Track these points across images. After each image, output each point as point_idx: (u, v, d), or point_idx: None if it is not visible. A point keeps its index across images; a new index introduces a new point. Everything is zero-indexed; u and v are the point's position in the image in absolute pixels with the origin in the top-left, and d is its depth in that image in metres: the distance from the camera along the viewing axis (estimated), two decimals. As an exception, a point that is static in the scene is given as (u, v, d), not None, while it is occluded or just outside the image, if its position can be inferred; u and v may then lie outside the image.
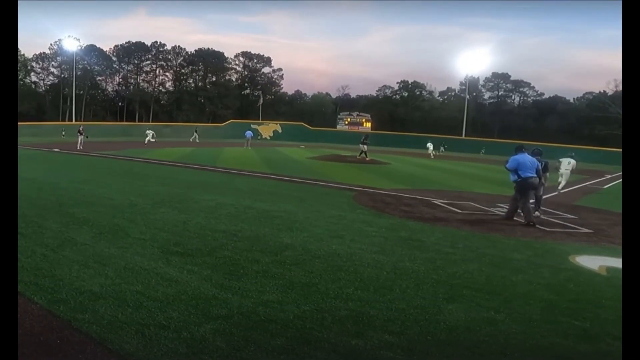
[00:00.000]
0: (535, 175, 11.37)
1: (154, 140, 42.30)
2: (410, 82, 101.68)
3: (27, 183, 13.07)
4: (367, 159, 32.62)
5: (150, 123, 78.09)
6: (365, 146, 34.06)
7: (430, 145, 45.37)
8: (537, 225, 10.72)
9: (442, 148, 51.84)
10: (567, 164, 18.75)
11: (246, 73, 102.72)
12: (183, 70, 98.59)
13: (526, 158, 11.43)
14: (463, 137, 64.82)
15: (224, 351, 4.01)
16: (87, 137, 33.55)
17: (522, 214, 11.22)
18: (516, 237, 9.49)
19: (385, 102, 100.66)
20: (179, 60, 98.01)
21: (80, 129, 34.12)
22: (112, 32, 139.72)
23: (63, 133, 47.74)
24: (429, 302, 5.44)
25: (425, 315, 5.02)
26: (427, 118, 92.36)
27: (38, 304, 4.80)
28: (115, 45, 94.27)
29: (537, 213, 11.89)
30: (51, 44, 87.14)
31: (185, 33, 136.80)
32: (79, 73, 75.67)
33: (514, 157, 11.48)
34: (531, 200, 12.19)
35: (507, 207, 11.96)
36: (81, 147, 31.46)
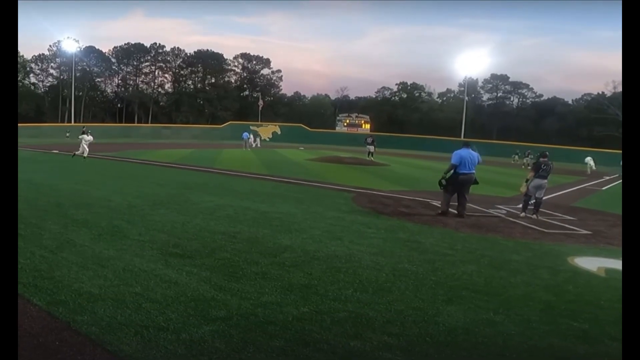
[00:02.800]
0: (472, 172, 11.71)
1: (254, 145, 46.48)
2: (409, 84, 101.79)
3: (25, 184, 13.04)
4: (367, 158, 33.64)
5: (150, 124, 78.17)
6: (371, 147, 35.65)
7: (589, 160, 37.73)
8: (536, 227, 10.74)
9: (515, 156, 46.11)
10: None
11: (245, 74, 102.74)
12: (182, 72, 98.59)
13: (468, 154, 11.73)
14: (462, 138, 64.78)
15: (223, 353, 4.01)
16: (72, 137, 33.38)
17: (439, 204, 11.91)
18: (515, 238, 9.50)
19: (384, 103, 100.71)
20: (178, 62, 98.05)
21: (84, 129, 33.96)
22: (110, 33, 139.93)
23: (67, 134, 47.66)
24: (427, 304, 5.44)
25: (424, 317, 5.03)
26: (426, 119, 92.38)
27: (37, 306, 4.80)
28: (114, 47, 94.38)
29: (534, 215, 11.91)
30: (50, 46, 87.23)
31: (183, 34, 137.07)
32: (78, 74, 75.61)
33: (457, 152, 11.80)
34: (531, 201, 12.22)
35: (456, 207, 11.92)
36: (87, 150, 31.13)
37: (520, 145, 52.04)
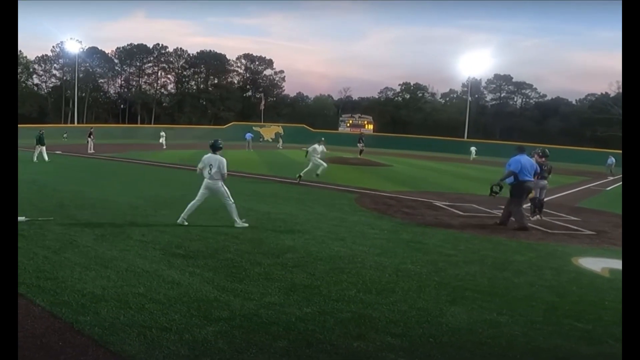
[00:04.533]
0: (532, 179, 10.88)
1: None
2: (412, 84, 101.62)
3: (28, 185, 13.09)
4: (359, 156, 35.24)
5: (153, 125, 78.31)
6: (360, 144, 37.66)
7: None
8: (540, 227, 10.70)
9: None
10: None
11: (248, 75, 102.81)
12: (185, 73, 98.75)
13: (527, 160, 10.87)
14: (465, 139, 64.72)
15: (225, 353, 4.01)
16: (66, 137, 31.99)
17: (513, 218, 10.72)
18: (518, 239, 9.46)
19: (387, 104, 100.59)
20: (180, 63, 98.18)
21: (91, 130, 34.23)
22: (113, 34, 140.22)
23: (65, 136, 47.72)
24: (431, 304, 5.43)
25: (427, 318, 5.02)
26: (429, 120, 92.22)
27: (40, 306, 4.80)
28: (117, 48, 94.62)
29: (537, 216, 11.85)
30: (53, 47, 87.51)
31: (185, 35, 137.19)
32: (81, 75, 75.86)
33: (516, 158, 10.82)
34: (527, 205, 12.14)
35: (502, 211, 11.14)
36: (92, 151, 31.43)
37: (531, 146, 51.78)
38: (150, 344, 4.11)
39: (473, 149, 48.04)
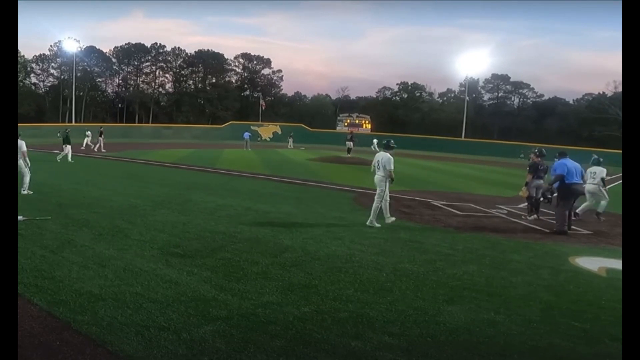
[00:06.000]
0: (581, 182, 10.75)
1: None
2: (410, 84, 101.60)
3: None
4: (348, 155, 34.79)
5: (151, 124, 78.23)
6: (350, 143, 37.17)
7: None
8: (537, 227, 10.71)
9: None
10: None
11: (246, 74, 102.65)
12: (183, 72, 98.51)
13: (572, 163, 10.62)
14: (462, 138, 64.79)
15: (223, 353, 4.01)
16: (59, 137, 28.15)
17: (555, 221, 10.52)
18: (516, 238, 9.48)
19: (385, 103, 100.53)
20: (178, 62, 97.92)
21: (101, 129, 34.27)
22: (110, 33, 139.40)
23: (58, 135, 47.55)
24: (428, 304, 5.44)
25: (425, 317, 5.02)
26: (427, 119, 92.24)
27: (38, 306, 4.81)
28: (115, 47, 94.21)
29: (534, 216, 11.86)
30: (51, 46, 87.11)
31: (183, 35, 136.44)
32: (78, 74, 75.60)
33: (562, 162, 10.61)
34: (524, 204, 12.14)
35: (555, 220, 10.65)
36: (104, 150, 31.54)
37: (524, 145, 51.91)
38: (148, 343, 4.11)
39: (375, 140, 49.28)
